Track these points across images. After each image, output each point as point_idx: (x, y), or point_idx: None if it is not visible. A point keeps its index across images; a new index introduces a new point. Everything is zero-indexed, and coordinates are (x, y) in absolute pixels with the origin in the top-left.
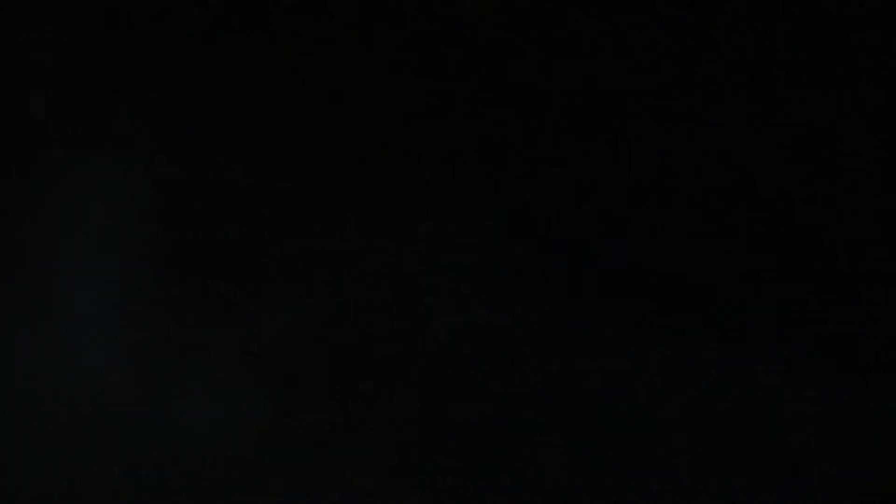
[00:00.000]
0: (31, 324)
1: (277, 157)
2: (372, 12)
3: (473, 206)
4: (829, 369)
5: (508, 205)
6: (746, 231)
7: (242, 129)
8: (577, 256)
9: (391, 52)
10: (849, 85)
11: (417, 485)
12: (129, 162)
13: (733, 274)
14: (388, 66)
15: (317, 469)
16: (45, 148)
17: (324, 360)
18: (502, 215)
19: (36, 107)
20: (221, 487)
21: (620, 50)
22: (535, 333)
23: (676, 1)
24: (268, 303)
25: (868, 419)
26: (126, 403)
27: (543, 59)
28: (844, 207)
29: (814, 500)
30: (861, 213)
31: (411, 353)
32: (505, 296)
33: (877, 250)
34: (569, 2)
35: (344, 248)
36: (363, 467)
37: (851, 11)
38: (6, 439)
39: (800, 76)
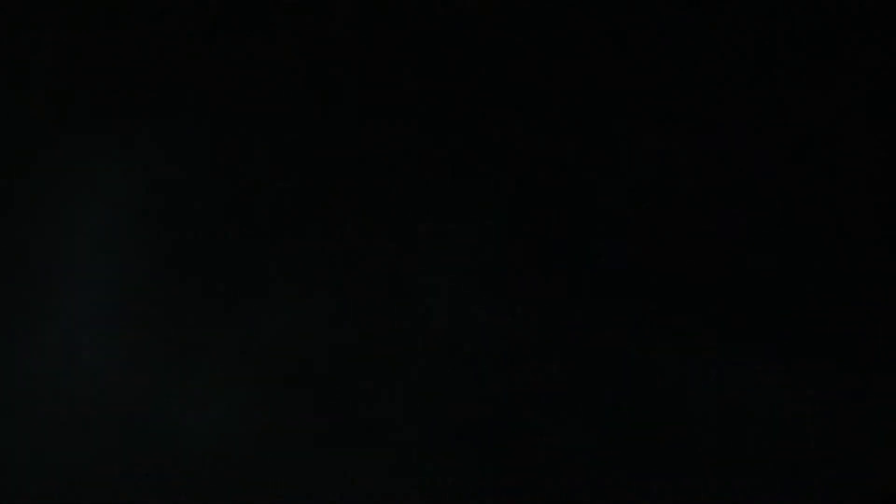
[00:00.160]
0: (31, 324)
1: (277, 157)
2: (372, 12)
3: (473, 206)
4: (829, 369)
5: (508, 205)
6: (746, 231)
7: (242, 129)
8: (577, 256)
9: (391, 52)
10: (849, 85)
11: (417, 485)
12: (129, 162)
13: (733, 274)
14: (389, 65)
15: (317, 469)
16: (45, 148)
17: (324, 360)
18: (502, 215)
19: (36, 107)
20: (221, 487)
21: (620, 50)
22: (535, 333)
23: (677, 1)
24: (268, 303)
25: (868, 419)
26: (126, 403)
27: (543, 59)
28: (844, 207)
29: (814, 500)
30: (861, 213)
31: (411, 353)
32: (505, 296)
33: (877, 250)
34: (569, 1)
35: (344, 248)
36: (363, 467)
37: (852, 11)
38: (6, 439)
39: (800, 76)
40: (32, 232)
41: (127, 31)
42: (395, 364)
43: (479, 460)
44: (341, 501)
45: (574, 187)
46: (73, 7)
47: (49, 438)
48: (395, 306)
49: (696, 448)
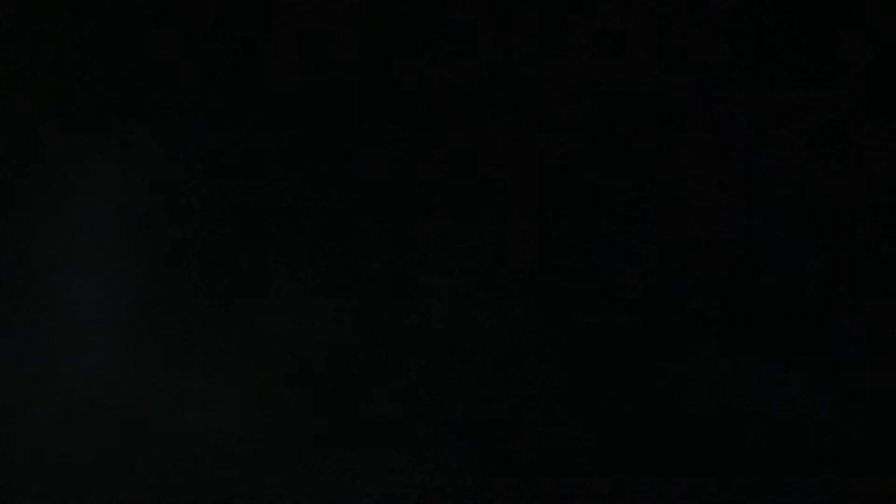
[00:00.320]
0: (32, 324)
1: (277, 157)
2: (372, 12)
3: (473, 206)
4: (828, 369)
5: (508, 205)
6: (747, 231)
7: (242, 129)
8: (578, 256)
9: (391, 52)
10: (849, 85)
11: (418, 485)
12: (129, 162)
13: (733, 274)
14: (389, 65)
15: (317, 469)
16: (44, 148)
17: (324, 360)
18: (502, 215)
19: (36, 107)
20: (221, 487)
21: (620, 50)
22: (535, 333)
23: (677, 1)
24: (268, 303)
25: (868, 419)
26: (126, 403)
27: (544, 60)
28: (844, 207)
29: (814, 500)
30: (861, 213)
31: (411, 353)
32: (505, 296)
33: (877, 250)
34: (569, 1)
35: (344, 248)
36: (363, 467)
37: (851, 11)
38: (6, 439)
39: (800, 76)
40: (32, 232)
41: (127, 32)
42: (395, 364)
43: (479, 460)
44: (341, 501)
45: (574, 187)
46: (73, 7)
47: (49, 438)
48: (395, 306)
49: (697, 448)
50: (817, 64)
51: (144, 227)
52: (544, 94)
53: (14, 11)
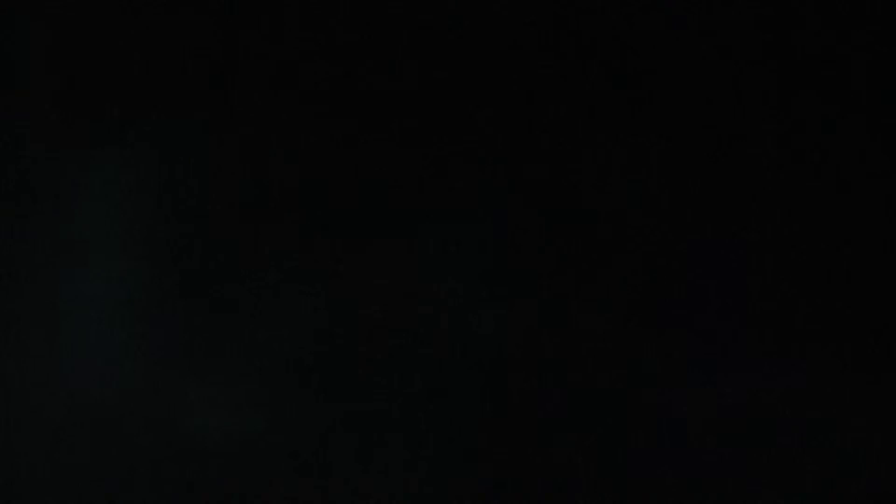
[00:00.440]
0: (32, 324)
1: (278, 157)
2: (373, 12)
3: (474, 207)
4: (828, 369)
5: (510, 205)
6: (746, 231)
7: (242, 129)
8: (579, 256)
9: (392, 53)
10: (849, 85)
11: (418, 484)
12: (129, 162)
13: (733, 274)
14: (390, 66)
15: (317, 468)
16: (45, 148)
17: (324, 360)
18: (504, 216)
19: (36, 108)
20: (221, 487)
21: (620, 50)
22: (535, 333)
23: (677, 1)
24: (268, 303)
25: (868, 419)
26: (126, 404)
27: (543, 60)
28: (844, 207)
29: (814, 500)
30: (861, 213)
31: (412, 353)
32: (506, 298)
33: (877, 250)
34: (568, 1)
35: (344, 249)
36: (363, 466)
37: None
38: (7, 439)
39: (800, 76)
40: (33, 232)
41: (127, 32)
42: (395, 364)
43: (479, 460)
44: (342, 500)
45: (575, 188)
46: (73, 7)
47: (50, 438)
48: (395, 307)
49: (697, 447)
50: (818, 63)
51: (144, 227)
52: (545, 96)
53: (14, 11)
